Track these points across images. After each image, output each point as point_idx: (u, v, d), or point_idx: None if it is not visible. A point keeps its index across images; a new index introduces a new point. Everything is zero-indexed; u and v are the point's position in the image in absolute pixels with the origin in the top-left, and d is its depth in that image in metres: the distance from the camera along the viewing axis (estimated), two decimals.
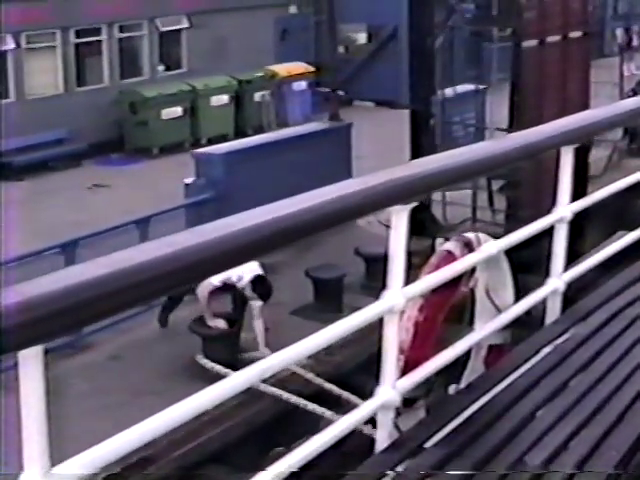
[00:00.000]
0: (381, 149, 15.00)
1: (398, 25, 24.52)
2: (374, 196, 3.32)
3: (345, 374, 9.55)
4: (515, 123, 13.72)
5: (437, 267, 4.11)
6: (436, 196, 15.02)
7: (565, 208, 4.48)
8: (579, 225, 13.15)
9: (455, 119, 16.88)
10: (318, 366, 9.37)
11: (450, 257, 4.21)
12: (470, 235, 4.32)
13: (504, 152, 4.17)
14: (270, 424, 8.97)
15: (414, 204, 3.46)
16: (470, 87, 17.80)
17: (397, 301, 3.43)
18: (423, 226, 14.56)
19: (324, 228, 3.14)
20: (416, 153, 14.26)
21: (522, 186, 13.71)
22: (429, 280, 3.86)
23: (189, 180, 14.40)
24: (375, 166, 3.69)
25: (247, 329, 11.08)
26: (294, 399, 8.62)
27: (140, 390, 9.85)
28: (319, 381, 9.21)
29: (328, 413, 8.02)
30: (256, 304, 11.00)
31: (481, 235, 4.31)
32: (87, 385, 10.41)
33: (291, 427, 8.28)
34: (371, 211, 3.39)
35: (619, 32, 24.92)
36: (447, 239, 4.36)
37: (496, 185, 15.67)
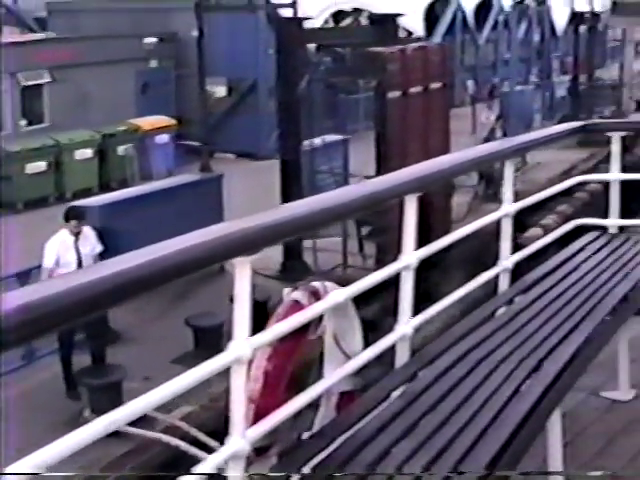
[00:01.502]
0: (251, 199, 15.09)
1: (257, 78, 24.90)
2: (216, 248, 3.39)
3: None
4: (382, 171, 14.02)
5: (285, 316, 4.18)
6: (307, 243, 15.23)
7: (410, 255, 4.61)
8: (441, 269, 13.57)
9: (323, 168, 17.17)
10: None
11: (297, 306, 4.29)
12: (317, 284, 4.41)
13: (349, 202, 4.29)
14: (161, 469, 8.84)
15: (256, 255, 3.54)
16: (337, 137, 18.15)
17: (243, 351, 3.49)
18: (294, 273, 14.74)
19: (165, 281, 3.19)
20: (287, 202, 14.41)
21: (389, 231, 14.00)
22: (276, 329, 3.94)
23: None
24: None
25: (130, 379, 10.97)
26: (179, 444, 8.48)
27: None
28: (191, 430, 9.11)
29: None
30: None
31: (328, 284, 4.40)
32: None
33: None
34: (213, 263, 3.45)
35: (470, 83, 25.86)
36: (295, 288, 4.43)
37: (366, 231, 15.96)
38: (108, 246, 12.27)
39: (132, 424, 3.26)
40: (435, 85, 15.98)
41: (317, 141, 16.77)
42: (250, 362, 3.73)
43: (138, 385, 10.73)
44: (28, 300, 2.54)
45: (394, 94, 15.09)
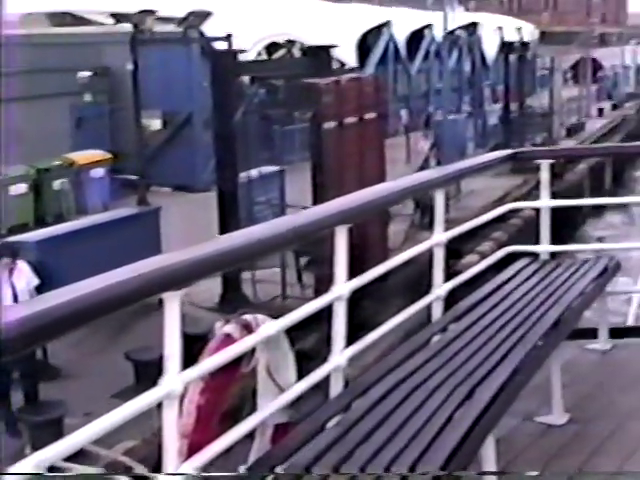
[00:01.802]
0: (189, 232, 15.03)
1: (192, 111, 24.92)
2: (144, 283, 3.38)
3: None
4: (319, 201, 14.06)
5: (217, 350, 4.17)
6: (246, 274, 15.22)
7: (342, 286, 4.63)
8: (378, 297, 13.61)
9: (260, 199, 17.20)
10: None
11: (229, 339, 4.28)
12: (249, 317, 4.41)
13: (278, 234, 4.31)
14: None
15: (186, 290, 3.53)
16: (273, 168, 18.21)
17: (175, 386, 3.48)
18: (233, 305, 14.71)
19: (93, 318, 3.17)
20: (224, 233, 14.39)
21: (327, 261, 14.00)
22: (208, 363, 3.93)
23: None
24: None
25: (71, 415, 10.83)
26: None
27: None
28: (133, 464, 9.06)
29: None
30: None
31: (259, 316, 4.40)
32: None
33: None
34: (142, 298, 3.43)
35: (403, 113, 26.21)
36: (227, 322, 4.43)
37: (304, 262, 16.00)
38: (45, 281, 12.13)
39: (74, 461, 3.25)
40: (370, 115, 16.15)
41: (254, 172, 16.80)
42: (182, 397, 3.72)
43: (79, 421, 10.56)
44: None
45: (330, 125, 15.21)
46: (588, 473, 5.01)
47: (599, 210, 31.79)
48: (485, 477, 4.60)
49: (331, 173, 15.25)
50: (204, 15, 26.13)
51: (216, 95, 15.87)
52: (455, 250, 16.14)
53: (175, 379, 3.49)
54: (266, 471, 3.87)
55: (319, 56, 16.64)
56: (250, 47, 20.50)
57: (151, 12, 22.36)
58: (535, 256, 6.96)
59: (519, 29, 44.94)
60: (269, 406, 4.32)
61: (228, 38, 21.08)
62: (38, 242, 14.45)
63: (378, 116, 16.46)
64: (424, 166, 24.55)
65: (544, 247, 6.77)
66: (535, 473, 4.85)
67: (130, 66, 20.79)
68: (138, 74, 19.54)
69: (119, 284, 3.25)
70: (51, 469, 3.09)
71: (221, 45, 21.06)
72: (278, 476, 3.74)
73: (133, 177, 22.34)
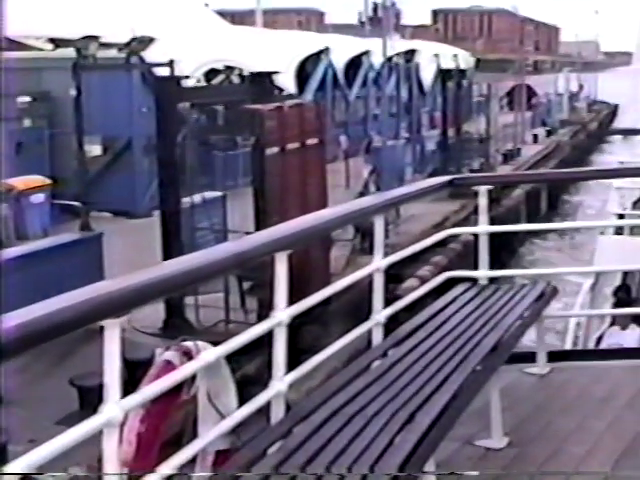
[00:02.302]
0: (132, 257, 14.95)
1: (132, 137, 24.84)
2: (83, 311, 3.36)
3: None
4: (261, 227, 14.07)
5: (157, 377, 4.16)
6: (189, 300, 15.16)
7: (282, 313, 4.65)
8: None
9: (203, 225, 17.18)
10: None
11: (169, 366, 4.27)
12: (189, 343, 4.40)
13: (219, 261, 4.32)
14: None
15: (126, 317, 3.53)
16: (215, 194, 18.20)
17: (114, 414, 3.47)
18: (176, 330, 14.63)
19: (31, 347, 3.15)
20: (167, 259, 14.32)
21: (269, 286, 13.97)
22: (148, 391, 3.91)
23: None
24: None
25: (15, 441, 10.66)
26: None
27: None
28: None
29: None
30: None
31: (200, 343, 4.41)
32: None
33: None
34: (81, 326, 3.41)
35: (343, 139, 26.39)
36: (167, 348, 4.42)
37: (247, 286, 15.97)
38: None
39: None
40: (311, 141, 16.24)
41: (196, 198, 16.79)
42: (123, 424, 3.70)
43: (23, 448, 10.37)
44: None
45: (272, 150, 15.26)
46: None
47: (536, 234, 32.21)
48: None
49: (274, 199, 15.29)
50: (147, 41, 26.11)
51: (159, 121, 15.85)
52: (395, 274, 16.25)
53: (115, 407, 3.48)
54: None
55: (261, 82, 16.69)
56: (191, 73, 20.48)
57: (95, 38, 22.31)
58: (474, 281, 7.04)
59: (455, 56, 45.41)
60: (210, 433, 4.31)
61: (171, 64, 21.08)
62: None
63: (319, 142, 16.56)
64: (364, 192, 24.72)
65: (483, 272, 6.85)
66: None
67: (72, 91, 20.69)
68: (79, 100, 19.45)
69: (58, 312, 3.24)
70: None
71: (164, 71, 21.04)
72: None
73: (73, 202, 22.18)
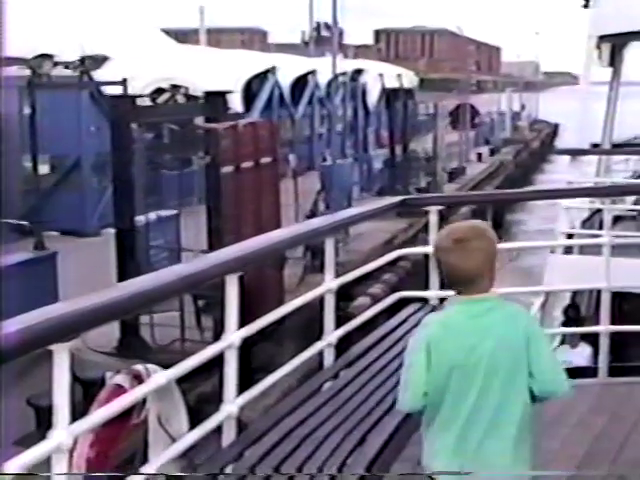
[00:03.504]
0: (85, 277, 14.76)
1: (80, 155, 24.65)
2: (32, 335, 3.31)
3: None
4: (215, 246, 13.98)
5: (107, 401, 4.11)
6: (144, 318, 15.01)
7: (234, 335, 4.62)
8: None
9: (158, 242, 17.07)
10: None
11: (120, 390, 4.23)
12: (139, 367, 4.37)
13: (169, 283, 4.28)
14: None
15: (78, 339, 3.48)
16: (167, 212, 18.10)
17: (64, 439, 3.42)
18: (131, 349, 14.50)
19: None
20: (122, 277, 14.19)
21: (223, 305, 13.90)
22: (98, 415, 3.87)
23: None
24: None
25: None
26: None
27: None
28: None
29: None
30: None
31: (150, 366, 4.37)
32: None
33: None
34: (29, 351, 3.36)
35: (292, 157, 26.42)
36: (117, 372, 4.37)
37: (202, 304, 15.85)
38: None
39: None
40: (265, 159, 16.24)
41: (151, 216, 16.69)
42: (72, 450, 3.65)
43: None
44: None
45: (227, 169, 15.22)
46: None
47: None
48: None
49: (228, 217, 15.23)
50: (101, 59, 25.95)
51: (114, 139, 15.72)
52: (346, 292, 16.24)
53: (64, 432, 3.43)
54: None
55: (215, 101, 16.64)
56: (139, 91, 20.36)
57: (48, 56, 22.15)
58: (425, 301, 7.05)
59: (399, 76, 45.68)
60: (160, 457, 4.26)
61: (124, 82, 20.95)
62: None
63: (273, 160, 16.57)
64: (313, 209, 24.74)
65: (433, 292, 6.87)
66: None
67: (21, 109, 20.48)
68: (29, 118, 19.29)
69: (6, 337, 3.18)
70: None
71: (114, 89, 20.90)
72: None
73: (21, 222, 21.87)
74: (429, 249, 7.09)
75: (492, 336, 3.71)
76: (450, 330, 3.75)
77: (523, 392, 3.77)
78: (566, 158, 22.21)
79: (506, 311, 3.80)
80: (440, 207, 7.10)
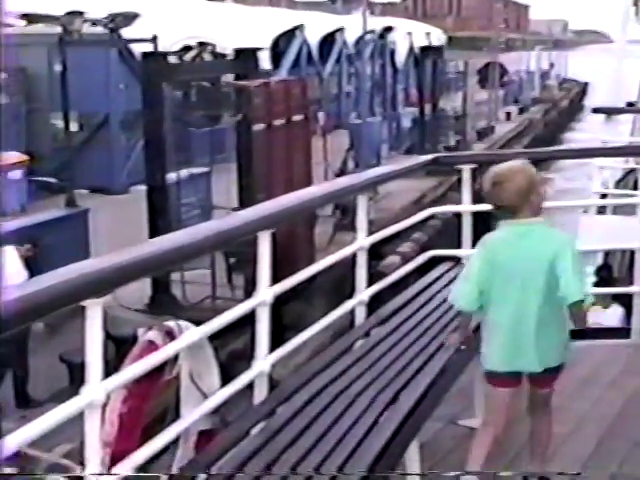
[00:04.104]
0: (116, 234, 14.78)
1: (109, 113, 24.63)
2: (64, 291, 3.30)
3: None
4: (246, 204, 13.96)
5: (140, 357, 4.10)
6: (175, 276, 15.06)
7: (266, 292, 4.60)
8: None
9: (189, 200, 17.10)
10: None
11: (152, 346, 4.22)
12: (171, 323, 4.35)
13: (202, 240, 4.25)
14: None
15: (108, 296, 3.46)
16: (198, 169, 18.09)
17: (97, 395, 3.42)
18: (162, 306, 14.57)
19: (10, 328, 3.10)
20: (154, 234, 14.21)
21: (255, 263, 13.87)
22: (131, 371, 3.86)
23: None
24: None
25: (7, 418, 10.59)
26: None
27: None
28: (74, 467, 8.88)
29: None
30: None
31: (182, 323, 4.35)
32: None
33: None
34: (62, 306, 3.35)
35: (321, 115, 26.31)
36: (149, 328, 4.36)
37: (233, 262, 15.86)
38: None
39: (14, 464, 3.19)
40: (297, 117, 16.15)
41: (183, 173, 16.69)
42: (105, 405, 3.65)
43: (15, 425, 10.25)
44: None
45: (259, 127, 15.15)
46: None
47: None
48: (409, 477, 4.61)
49: (259, 175, 15.20)
50: (131, 17, 25.81)
51: (145, 97, 15.69)
52: (376, 251, 16.20)
53: (97, 388, 3.43)
54: (189, 479, 3.82)
55: (246, 59, 16.54)
56: (167, 49, 20.20)
57: (79, 13, 22.05)
58: (457, 260, 7.00)
59: (428, 34, 45.22)
60: (193, 413, 4.26)
61: (154, 40, 20.81)
62: None
63: (305, 118, 16.48)
64: (343, 168, 24.66)
65: (466, 251, 6.81)
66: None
67: (52, 67, 20.41)
68: (56, 76, 19.25)
69: (38, 293, 3.18)
70: None
71: (143, 47, 20.78)
72: None
73: (51, 179, 21.94)
74: (462, 208, 7.04)
75: (531, 251, 4.49)
76: (499, 245, 4.58)
77: (555, 297, 4.44)
78: (598, 118, 21.98)
79: (545, 232, 4.57)
80: (473, 165, 7.02)
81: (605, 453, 5.46)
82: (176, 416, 4.30)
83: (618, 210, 11.93)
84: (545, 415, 4.80)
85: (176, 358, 4.33)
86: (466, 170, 6.94)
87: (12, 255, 11.94)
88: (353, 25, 35.24)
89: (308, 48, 36.62)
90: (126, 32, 25.64)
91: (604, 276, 12.46)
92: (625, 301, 9.56)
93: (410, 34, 42.50)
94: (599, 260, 13.13)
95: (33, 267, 12.07)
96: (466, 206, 6.96)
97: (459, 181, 7.33)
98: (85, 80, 22.61)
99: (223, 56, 22.82)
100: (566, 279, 4.40)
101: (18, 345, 11.90)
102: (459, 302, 4.73)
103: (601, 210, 12.97)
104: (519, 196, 4.50)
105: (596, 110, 17.77)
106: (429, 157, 7.27)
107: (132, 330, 9.16)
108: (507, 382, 4.59)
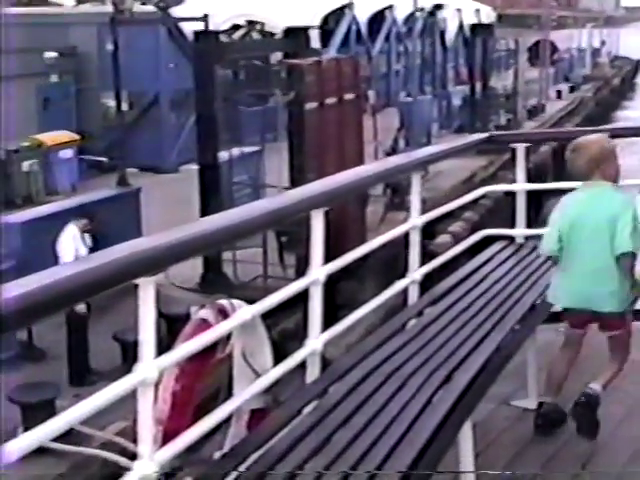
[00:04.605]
0: (167, 213, 14.82)
1: (159, 92, 24.69)
2: (117, 270, 3.29)
3: None
4: (297, 183, 13.92)
5: (192, 335, 4.09)
6: (227, 255, 15.08)
7: (319, 270, 4.57)
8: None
9: (241, 179, 17.10)
10: None
11: (205, 325, 4.20)
12: (224, 302, 4.33)
13: (255, 218, 4.23)
14: None
15: (161, 274, 3.45)
16: (250, 148, 18.07)
17: (150, 373, 3.41)
18: (214, 285, 14.58)
19: (65, 305, 3.10)
20: (205, 213, 14.23)
21: (306, 242, 13.84)
22: (183, 349, 3.85)
23: None
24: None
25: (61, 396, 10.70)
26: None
27: None
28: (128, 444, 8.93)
29: None
30: None
31: (235, 301, 4.33)
32: None
33: None
34: (115, 285, 3.33)
35: (371, 93, 26.16)
36: (202, 307, 4.35)
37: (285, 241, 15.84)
38: (29, 263, 11.93)
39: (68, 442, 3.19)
40: (349, 96, 16.07)
41: (234, 152, 16.69)
42: (158, 383, 3.65)
43: (69, 403, 10.31)
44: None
45: (311, 105, 15.09)
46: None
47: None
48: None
49: (311, 154, 15.14)
50: None
51: (198, 76, 15.69)
52: (427, 230, 16.07)
53: (150, 366, 3.42)
54: (241, 458, 3.81)
55: (297, 37, 16.47)
56: (217, 28, 20.22)
57: None
58: (510, 239, 6.92)
59: (477, 11, 44.74)
60: (245, 392, 4.24)
61: (205, 18, 20.80)
62: (23, 223, 14.34)
63: (356, 97, 16.38)
64: (394, 146, 24.52)
65: (520, 231, 6.73)
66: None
67: (101, 46, 20.45)
68: (109, 55, 19.33)
69: (92, 270, 3.17)
70: (42, 450, 3.07)
71: (192, 26, 20.80)
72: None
73: (101, 158, 22.07)
74: (516, 186, 6.96)
75: (597, 209, 5.32)
76: (573, 202, 5.47)
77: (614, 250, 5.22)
78: None
79: (612, 195, 5.37)
80: (527, 144, 6.94)
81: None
82: (228, 395, 4.28)
83: None
84: (622, 354, 5.52)
85: (229, 337, 4.30)
86: (520, 149, 6.86)
87: (72, 229, 12.47)
88: (403, 2, 34.94)
89: (357, 26, 36.38)
90: (176, 10, 25.69)
91: None
92: None
93: (460, 11, 42.08)
94: None
95: (92, 241, 12.46)
96: (521, 185, 6.89)
97: (512, 160, 7.25)
98: (135, 59, 22.68)
99: (271, 35, 22.78)
100: (621, 233, 5.17)
101: (77, 323, 12.03)
102: (544, 249, 5.60)
103: None
104: (591, 162, 5.30)
105: None
106: (483, 136, 7.19)
107: (184, 309, 9.20)
108: (577, 318, 5.46)
